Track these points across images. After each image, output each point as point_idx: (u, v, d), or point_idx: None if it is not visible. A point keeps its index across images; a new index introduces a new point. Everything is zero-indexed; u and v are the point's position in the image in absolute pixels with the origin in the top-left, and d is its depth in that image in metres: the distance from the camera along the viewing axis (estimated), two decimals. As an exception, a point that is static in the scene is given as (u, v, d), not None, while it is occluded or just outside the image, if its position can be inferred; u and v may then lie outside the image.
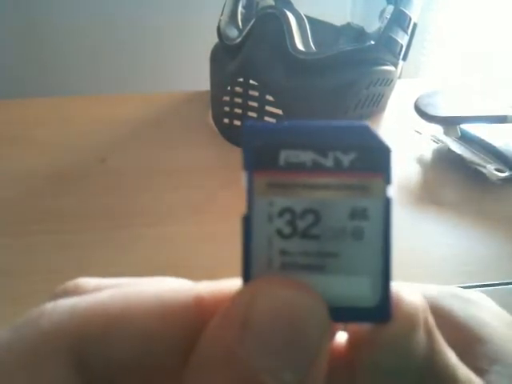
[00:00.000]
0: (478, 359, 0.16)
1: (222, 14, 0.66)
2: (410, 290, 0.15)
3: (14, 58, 1.02)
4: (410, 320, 0.14)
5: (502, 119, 0.57)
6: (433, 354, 0.14)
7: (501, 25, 0.94)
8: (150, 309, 0.15)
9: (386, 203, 0.14)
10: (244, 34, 0.60)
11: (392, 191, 0.14)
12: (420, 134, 0.62)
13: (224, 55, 0.63)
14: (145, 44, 1.02)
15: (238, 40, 0.60)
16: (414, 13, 0.64)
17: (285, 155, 0.14)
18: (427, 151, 0.62)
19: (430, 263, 0.45)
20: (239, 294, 0.13)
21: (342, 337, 0.16)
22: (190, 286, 0.16)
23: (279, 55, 0.57)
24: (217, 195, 0.51)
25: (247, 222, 0.14)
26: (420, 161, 0.60)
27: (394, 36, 0.63)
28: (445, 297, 0.18)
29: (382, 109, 0.69)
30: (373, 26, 0.65)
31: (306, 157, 0.14)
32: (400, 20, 0.63)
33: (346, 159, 0.14)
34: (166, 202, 0.52)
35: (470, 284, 0.43)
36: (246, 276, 0.14)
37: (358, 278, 0.14)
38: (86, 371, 0.14)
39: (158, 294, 0.15)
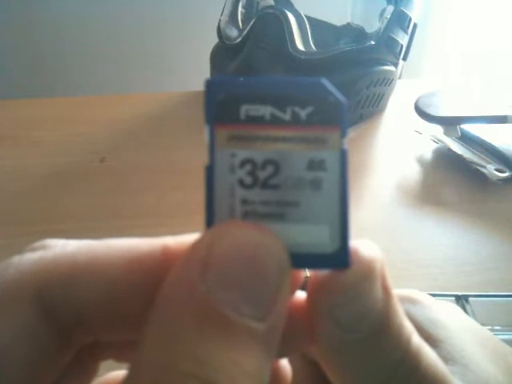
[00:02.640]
0: None
1: (222, 14, 0.66)
2: (369, 244, 0.15)
3: (14, 58, 1.02)
4: (368, 268, 0.14)
5: (502, 119, 0.57)
6: (388, 310, 0.14)
7: (501, 25, 0.94)
8: (116, 256, 0.15)
9: (342, 155, 0.14)
10: (244, 34, 0.60)
11: (347, 143, 0.14)
12: (420, 134, 0.62)
13: (224, 55, 0.63)
14: (145, 44, 1.02)
15: (238, 40, 0.60)
16: (414, 13, 0.64)
17: (245, 109, 0.14)
18: (427, 151, 0.62)
19: (429, 263, 0.45)
20: (202, 235, 0.14)
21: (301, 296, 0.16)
22: (158, 239, 0.16)
23: (279, 55, 0.57)
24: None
25: (209, 172, 0.14)
26: (420, 161, 0.60)
27: (394, 36, 0.63)
28: (403, 299, 0.18)
29: (383, 109, 0.69)
30: (373, 26, 0.65)
31: (266, 111, 0.14)
32: (400, 20, 0.63)
33: (303, 113, 0.14)
34: (165, 201, 0.52)
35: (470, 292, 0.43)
36: (209, 223, 0.14)
37: (318, 226, 0.14)
38: (51, 317, 0.14)
39: (126, 244, 0.16)
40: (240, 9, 0.66)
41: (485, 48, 0.95)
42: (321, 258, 0.14)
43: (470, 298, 0.28)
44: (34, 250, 0.16)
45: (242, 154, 0.14)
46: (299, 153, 0.14)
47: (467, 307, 0.28)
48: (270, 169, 0.14)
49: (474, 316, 0.27)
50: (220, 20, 0.65)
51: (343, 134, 0.14)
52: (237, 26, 0.65)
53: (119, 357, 0.18)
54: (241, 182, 0.14)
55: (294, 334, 0.16)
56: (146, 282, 0.15)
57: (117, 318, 0.15)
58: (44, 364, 0.15)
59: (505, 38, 0.94)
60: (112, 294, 0.15)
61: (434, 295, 0.29)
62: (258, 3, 0.68)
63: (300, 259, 0.14)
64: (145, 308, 0.13)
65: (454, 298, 0.28)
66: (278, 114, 0.14)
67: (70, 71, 1.04)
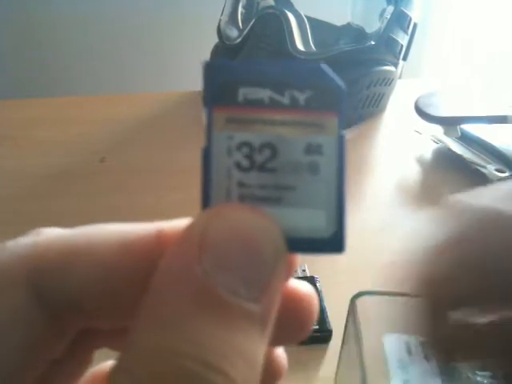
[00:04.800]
0: None
1: (222, 14, 0.66)
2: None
3: (14, 58, 1.02)
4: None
5: (502, 119, 0.57)
6: None
7: (501, 25, 0.94)
8: (110, 241, 0.15)
9: (340, 140, 0.14)
10: (244, 34, 0.60)
11: (345, 129, 0.14)
12: (420, 134, 0.62)
13: (224, 55, 0.63)
14: (145, 44, 1.02)
15: (238, 40, 0.60)
16: (414, 13, 0.64)
17: (243, 92, 0.14)
18: (427, 151, 0.62)
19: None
20: (197, 217, 0.14)
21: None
22: (152, 224, 0.16)
23: (279, 55, 0.57)
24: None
25: (206, 154, 0.14)
26: (420, 161, 0.60)
27: (394, 36, 0.63)
28: None
29: (383, 109, 0.69)
30: (373, 26, 0.65)
31: (264, 94, 0.14)
32: (400, 20, 0.63)
33: (301, 97, 0.14)
34: (166, 201, 0.52)
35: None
36: (205, 205, 0.14)
37: (314, 211, 0.14)
38: (44, 302, 0.14)
39: (120, 229, 0.16)
40: (240, 9, 0.66)
41: (485, 48, 0.95)
42: (316, 243, 0.14)
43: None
44: (28, 236, 0.16)
45: (240, 136, 0.14)
46: (297, 137, 0.14)
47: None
48: (267, 152, 0.14)
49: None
50: (220, 20, 0.65)
51: (341, 120, 0.14)
52: (237, 26, 0.65)
53: (114, 345, 0.18)
54: (238, 165, 0.14)
55: (289, 323, 0.16)
56: (141, 266, 0.15)
57: (111, 304, 0.15)
58: (37, 349, 0.15)
59: (505, 37, 0.94)
60: (106, 278, 0.15)
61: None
62: (258, 3, 0.68)
63: (295, 243, 0.14)
64: (140, 293, 0.13)
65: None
66: (277, 97, 0.14)
67: (70, 71, 1.04)
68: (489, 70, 0.93)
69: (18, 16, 0.98)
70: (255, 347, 0.13)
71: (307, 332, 0.16)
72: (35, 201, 0.52)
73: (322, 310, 0.38)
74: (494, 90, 0.66)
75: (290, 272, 0.15)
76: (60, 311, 0.15)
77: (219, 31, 0.64)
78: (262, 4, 0.68)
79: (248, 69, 0.14)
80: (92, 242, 0.15)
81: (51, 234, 0.16)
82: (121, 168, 0.57)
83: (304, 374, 0.36)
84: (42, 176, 0.56)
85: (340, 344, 0.30)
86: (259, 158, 0.14)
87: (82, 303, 0.15)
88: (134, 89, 0.83)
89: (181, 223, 0.15)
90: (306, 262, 0.42)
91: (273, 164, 0.14)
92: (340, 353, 0.31)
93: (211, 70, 0.14)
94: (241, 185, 0.14)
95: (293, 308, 0.16)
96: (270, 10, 0.59)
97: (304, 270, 0.41)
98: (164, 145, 0.61)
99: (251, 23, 0.59)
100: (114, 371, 0.12)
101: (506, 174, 0.53)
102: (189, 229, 0.13)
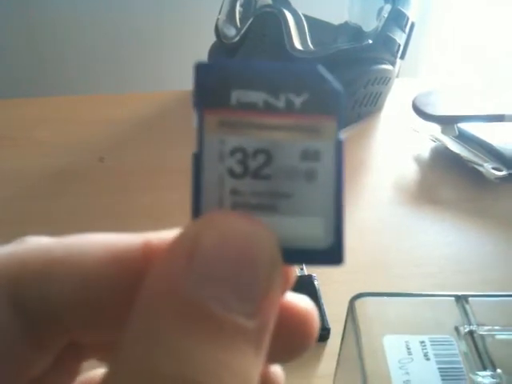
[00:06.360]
0: None
1: (219, 13, 0.66)
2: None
3: (14, 58, 1.02)
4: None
5: (499, 118, 0.57)
6: None
7: (499, 24, 0.94)
8: (93, 251, 0.14)
9: (338, 146, 0.14)
10: (242, 32, 0.60)
11: (343, 133, 0.14)
12: (418, 132, 0.62)
13: (222, 54, 0.63)
14: (143, 44, 1.02)
15: (236, 39, 0.61)
16: (411, 12, 0.64)
17: (237, 94, 0.13)
18: (425, 150, 0.62)
19: (427, 262, 0.46)
20: (187, 226, 0.13)
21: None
22: (139, 234, 0.15)
23: (277, 54, 0.57)
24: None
25: (197, 159, 0.14)
26: (418, 159, 0.60)
27: (391, 35, 0.63)
28: None
29: (380, 108, 0.69)
30: (370, 24, 0.65)
31: (258, 97, 0.13)
32: (398, 19, 0.63)
33: (297, 101, 0.14)
34: (165, 201, 0.52)
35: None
36: (196, 213, 0.13)
37: (311, 219, 0.14)
38: (24, 314, 0.14)
39: (104, 239, 0.15)
40: (238, 7, 0.66)
41: (483, 47, 0.95)
42: (314, 253, 0.14)
43: (470, 298, 0.28)
44: (9, 245, 0.15)
45: (232, 141, 0.13)
46: (292, 142, 0.14)
47: (467, 307, 0.28)
48: (261, 158, 0.13)
49: (474, 316, 0.28)
50: (218, 19, 0.65)
51: (339, 124, 0.14)
52: (235, 25, 0.65)
53: (102, 356, 0.17)
54: (230, 171, 0.13)
55: (287, 340, 0.15)
56: (126, 278, 0.14)
57: (95, 317, 0.14)
58: (18, 363, 0.14)
59: (503, 37, 0.94)
60: (89, 290, 0.14)
61: (433, 295, 0.29)
62: (255, 2, 0.68)
63: (292, 254, 0.13)
64: (125, 307, 0.13)
65: (453, 298, 0.29)
66: (272, 100, 0.13)
67: (70, 71, 1.04)
68: (487, 68, 0.93)
69: (18, 16, 0.98)
70: (250, 367, 0.12)
71: (305, 349, 0.16)
72: (34, 201, 0.52)
73: (320, 308, 0.39)
74: (491, 89, 0.66)
75: (286, 285, 0.14)
76: (41, 324, 0.14)
77: (217, 30, 0.64)
78: (260, 3, 0.68)
79: (241, 70, 0.14)
80: (75, 252, 0.14)
81: (34, 242, 0.15)
82: (120, 168, 0.57)
83: (302, 371, 0.36)
84: (41, 176, 0.56)
85: (338, 342, 0.30)
86: (253, 164, 0.13)
87: (63, 314, 0.14)
88: (131, 88, 0.83)
89: (169, 234, 0.14)
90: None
91: (267, 170, 0.14)
92: (339, 354, 0.31)
93: (202, 70, 0.14)
94: (234, 192, 0.13)
95: (290, 324, 0.15)
96: (268, 9, 0.59)
97: (302, 269, 0.42)
98: (163, 145, 0.62)
99: (249, 22, 0.59)
100: None
101: (503, 173, 0.53)
102: (178, 238, 0.13)
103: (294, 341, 0.15)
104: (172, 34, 1.00)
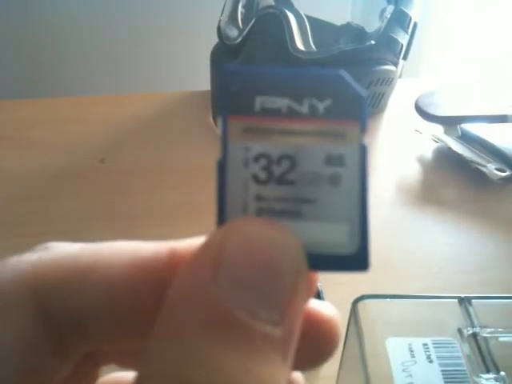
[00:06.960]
0: None
1: (222, 14, 0.66)
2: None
3: (13, 58, 1.02)
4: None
5: (502, 118, 0.57)
6: None
7: (501, 24, 0.94)
8: (119, 260, 0.14)
9: (362, 150, 0.14)
10: (244, 33, 0.60)
11: (366, 138, 0.14)
12: (420, 133, 0.62)
13: (224, 55, 0.63)
14: (145, 44, 1.02)
15: (239, 40, 0.60)
16: (414, 12, 0.64)
17: (261, 101, 0.14)
18: (427, 151, 0.62)
19: (429, 262, 0.45)
20: (212, 233, 0.13)
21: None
22: (164, 242, 0.15)
23: (279, 55, 0.57)
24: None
25: (221, 166, 0.14)
26: (420, 160, 0.60)
27: (394, 35, 0.63)
28: None
29: (383, 108, 0.69)
30: (373, 25, 0.65)
31: (282, 103, 0.14)
32: (400, 19, 0.63)
33: (321, 106, 0.14)
34: (165, 202, 0.52)
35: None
36: (221, 220, 0.13)
37: (336, 225, 0.14)
38: (49, 321, 0.14)
39: (130, 247, 0.15)
40: (240, 9, 0.66)
41: (485, 48, 0.95)
42: (339, 260, 0.13)
43: (473, 300, 0.28)
44: (34, 251, 0.15)
45: (257, 147, 0.13)
46: (316, 147, 0.14)
47: (470, 309, 0.28)
48: (285, 163, 0.14)
49: (477, 318, 0.27)
50: (220, 20, 0.65)
51: (362, 129, 0.14)
52: (237, 26, 0.64)
53: (122, 362, 0.17)
54: (255, 178, 0.13)
55: (309, 348, 0.15)
56: (152, 286, 0.14)
57: (119, 326, 0.14)
58: (40, 372, 0.14)
59: (505, 38, 0.94)
60: (114, 299, 0.14)
61: (436, 297, 0.29)
62: (258, 3, 0.68)
63: (316, 260, 0.13)
64: (150, 316, 0.13)
65: (456, 300, 0.28)
66: (295, 106, 0.14)
67: (69, 71, 1.04)
68: (489, 69, 0.93)
69: (17, 17, 0.98)
70: (278, 376, 0.12)
71: (328, 357, 0.15)
72: (34, 201, 0.52)
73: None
74: (494, 90, 0.66)
75: (310, 292, 0.14)
76: (66, 331, 0.14)
77: (219, 31, 0.64)
78: (262, 4, 0.68)
79: (265, 76, 0.14)
80: (100, 260, 0.14)
81: (58, 250, 0.15)
82: (121, 169, 0.57)
83: (304, 373, 0.36)
84: (40, 176, 0.56)
85: (341, 344, 0.30)
86: (277, 170, 0.14)
87: (88, 324, 0.14)
88: (134, 89, 0.83)
89: (195, 242, 0.14)
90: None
91: (292, 176, 0.14)
92: (341, 356, 0.31)
93: (227, 77, 0.14)
94: (258, 198, 0.14)
95: (314, 331, 0.15)
96: (270, 10, 0.59)
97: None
98: (164, 145, 0.61)
99: (251, 23, 0.59)
100: None
101: (507, 173, 0.53)
102: (203, 246, 0.13)
103: (317, 348, 0.15)
104: (172, 35, 1.00)
